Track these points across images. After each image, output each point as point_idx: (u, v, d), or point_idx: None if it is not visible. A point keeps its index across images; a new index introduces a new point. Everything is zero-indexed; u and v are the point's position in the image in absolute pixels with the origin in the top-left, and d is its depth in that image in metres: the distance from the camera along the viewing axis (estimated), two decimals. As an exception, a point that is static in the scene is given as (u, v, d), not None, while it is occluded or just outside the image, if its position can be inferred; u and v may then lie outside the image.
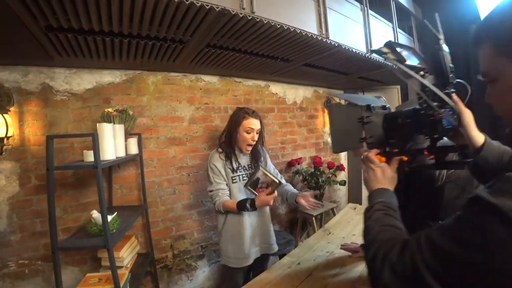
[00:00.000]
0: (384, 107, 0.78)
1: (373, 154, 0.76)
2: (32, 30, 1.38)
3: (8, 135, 1.76)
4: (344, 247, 1.64)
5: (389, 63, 0.66)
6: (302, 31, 1.77)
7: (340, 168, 3.33)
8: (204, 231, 2.62)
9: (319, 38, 1.91)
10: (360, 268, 1.45)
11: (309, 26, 1.85)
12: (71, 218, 2.04)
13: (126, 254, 1.82)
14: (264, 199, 1.60)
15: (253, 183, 1.70)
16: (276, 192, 1.62)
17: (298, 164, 3.19)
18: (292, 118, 3.36)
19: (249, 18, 1.49)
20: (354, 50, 2.26)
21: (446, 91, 0.64)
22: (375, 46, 2.50)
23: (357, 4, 2.45)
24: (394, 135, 0.74)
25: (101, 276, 1.63)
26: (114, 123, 1.75)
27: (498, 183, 0.39)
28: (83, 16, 1.30)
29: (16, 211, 1.88)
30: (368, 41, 2.46)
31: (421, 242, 0.45)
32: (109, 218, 1.54)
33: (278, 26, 1.63)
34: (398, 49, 0.67)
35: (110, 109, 1.80)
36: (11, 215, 1.87)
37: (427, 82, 0.61)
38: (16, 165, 1.89)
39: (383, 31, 2.78)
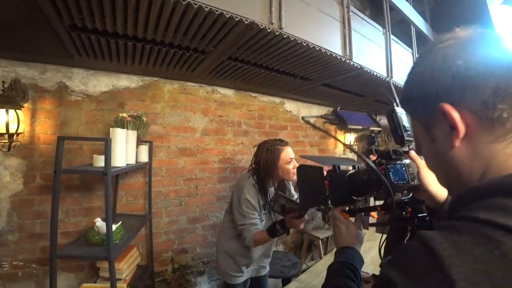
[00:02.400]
0: (354, 167, 0.80)
1: (337, 211, 0.80)
2: (56, 28, 1.36)
3: (19, 131, 1.72)
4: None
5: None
6: (327, 51, 1.74)
7: (350, 191, 3.24)
8: (208, 247, 2.52)
9: (343, 59, 1.88)
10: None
11: (334, 46, 1.83)
12: (72, 222, 1.97)
13: (126, 266, 1.73)
14: (294, 223, 1.44)
15: (280, 208, 1.58)
16: (306, 216, 1.49)
17: (308, 184, 3.11)
18: (305, 137, 3.31)
19: (277, 33, 1.46)
20: (375, 73, 2.22)
21: (400, 148, 0.69)
22: (395, 71, 2.46)
23: (380, 28, 2.44)
24: (357, 193, 0.76)
25: (97, 288, 1.54)
26: (127, 129, 1.70)
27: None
28: (109, 18, 1.28)
29: (17, 210, 1.83)
30: (388, 65, 2.43)
31: None
32: (113, 227, 1.46)
33: (304, 44, 1.60)
34: (346, 114, 0.72)
35: (124, 114, 1.77)
36: (11, 214, 1.81)
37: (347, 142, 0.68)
38: (22, 163, 1.84)
39: (403, 56, 2.76)
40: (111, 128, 1.61)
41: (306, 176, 0.87)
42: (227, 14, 1.23)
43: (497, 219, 0.31)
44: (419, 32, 3.11)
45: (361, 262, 0.74)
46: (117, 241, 1.50)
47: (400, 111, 0.68)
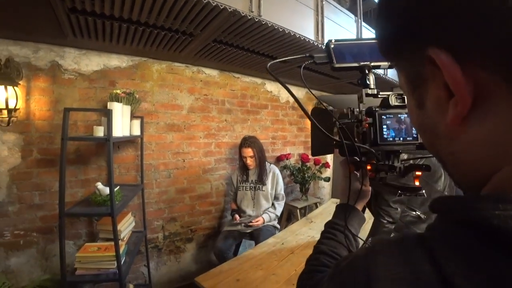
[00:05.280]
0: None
1: (344, 162, 0.69)
2: (56, 10, 1.48)
3: (17, 107, 1.84)
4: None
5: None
6: (301, 36, 1.95)
7: (326, 165, 3.54)
8: (195, 216, 2.76)
9: (315, 44, 2.10)
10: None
11: (308, 32, 2.04)
12: (69, 193, 2.11)
13: (124, 228, 1.93)
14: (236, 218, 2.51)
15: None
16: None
17: (287, 159, 3.38)
18: (284, 116, 3.55)
19: (256, 20, 1.66)
20: (346, 57, 2.45)
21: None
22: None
23: (352, 16, 2.66)
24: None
25: (100, 245, 1.75)
26: (122, 104, 1.87)
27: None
28: (108, 2, 1.42)
29: (16, 182, 1.95)
30: (359, 50, 2.67)
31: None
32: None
33: (280, 30, 1.81)
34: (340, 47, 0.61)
35: (118, 91, 1.92)
36: (11, 186, 1.94)
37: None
38: (19, 138, 1.96)
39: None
40: (108, 102, 1.77)
41: (319, 119, 0.69)
42: (213, 3, 1.42)
43: None
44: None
45: (360, 220, 0.68)
46: (117, 202, 1.69)
47: None
